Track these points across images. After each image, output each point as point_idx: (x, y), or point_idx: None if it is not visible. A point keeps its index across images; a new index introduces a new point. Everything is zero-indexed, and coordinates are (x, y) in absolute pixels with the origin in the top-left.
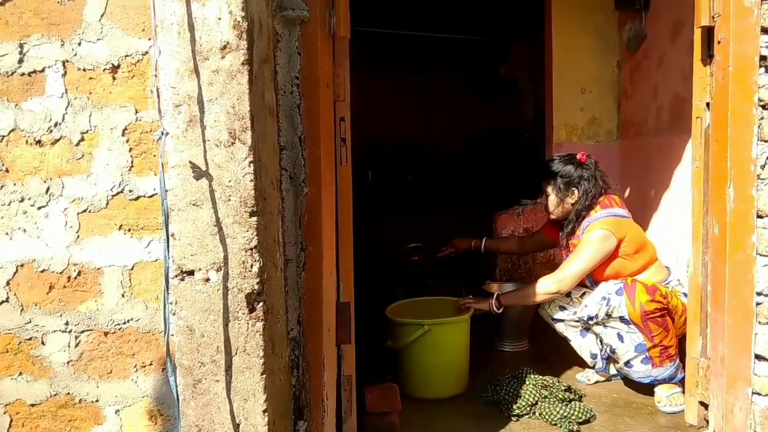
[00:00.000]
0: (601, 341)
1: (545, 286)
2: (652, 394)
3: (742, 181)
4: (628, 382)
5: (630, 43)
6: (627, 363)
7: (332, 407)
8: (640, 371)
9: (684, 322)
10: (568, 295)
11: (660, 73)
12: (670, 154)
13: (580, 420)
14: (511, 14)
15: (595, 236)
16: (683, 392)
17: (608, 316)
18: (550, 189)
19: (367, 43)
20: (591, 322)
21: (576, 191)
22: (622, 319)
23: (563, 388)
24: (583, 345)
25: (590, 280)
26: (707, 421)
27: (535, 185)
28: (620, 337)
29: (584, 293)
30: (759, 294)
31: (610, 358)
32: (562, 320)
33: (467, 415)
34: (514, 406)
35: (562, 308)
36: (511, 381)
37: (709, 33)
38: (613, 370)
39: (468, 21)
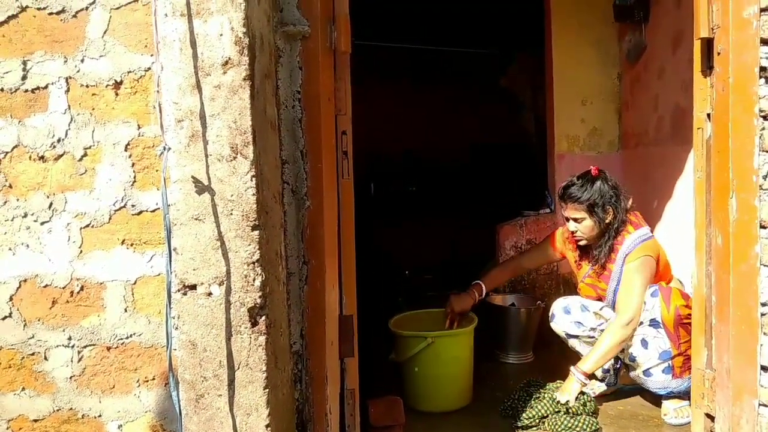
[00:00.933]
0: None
1: (621, 334)
2: (658, 406)
3: (744, 191)
4: (634, 394)
5: (630, 54)
6: (646, 371)
7: (335, 421)
8: (659, 381)
9: None
10: (586, 309)
11: (660, 84)
12: (671, 164)
13: None
14: (511, 26)
15: (640, 265)
16: (690, 405)
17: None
18: (584, 214)
19: (368, 56)
20: None
21: (611, 209)
22: (652, 321)
23: (581, 401)
24: None
25: (614, 299)
26: None
27: (539, 197)
28: (644, 343)
29: (603, 307)
30: (764, 305)
31: (619, 371)
32: (576, 336)
33: (471, 428)
34: (523, 416)
35: (579, 324)
36: (523, 393)
37: (708, 44)
38: (619, 383)
39: (468, 34)
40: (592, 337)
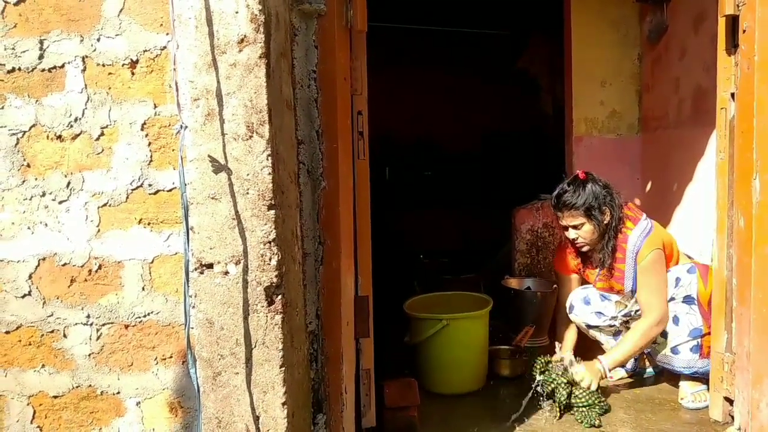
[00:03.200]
0: None
1: (653, 333)
2: (675, 391)
3: None
4: (651, 378)
5: (651, 35)
6: (674, 349)
7: (351, 401)
8: (685, 359)
9: None
10: (606, 298)
11: (682, 64)
12: (692, 146)
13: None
14: (528, 7)
15: (652, 262)
16: (708, 390)
17: (671, 298)
18: (583, 219)
19: (384, 39)
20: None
21: (607, 209)
22: (686, 298)
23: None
24: None
25: (633, 289)
26: (732, 417)
27: (556, 181)
28: (675, 320)
29: (620, 300)
30: None
31: (640, 356)
32: (597, 326)
33: (485, 410)
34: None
35: (599, 314)
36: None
37: (733, 22)
38: (638, 367)
39: (484, 15)
40: (613, 325)
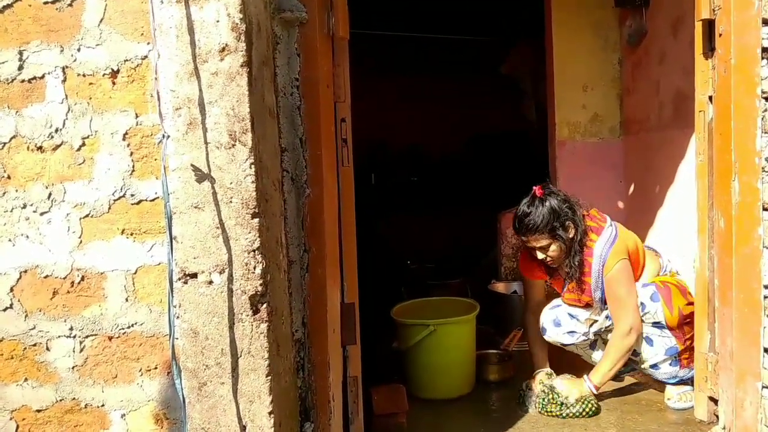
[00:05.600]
0: None
1: (626, 344)
2: (662, 391)
3: (746, 173)
4: (638, 379)
5: (631, 39)
6: (654, 366)
7: (339, 408)
8: (667, 372)
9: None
10: (574, 317)
11: (662, 68)
12: (673, 149)
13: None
14: (511, 13)
15: (618, 273)
16: (693, 389)
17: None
18: (548, 239)
19: (367, 46)
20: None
21: (570, 223)
22: (656, 324)
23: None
24: (596, 357)
25: (602, 299)
26: (717, 417)
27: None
28: (649, 341)
29: (591, 312)
30: (767, 287)
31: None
32: (572, 344)
33: (474, 415)
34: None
35: (572, 333)
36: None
37: (710, 26)
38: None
39: (468, 21)
40: (587, 339)
